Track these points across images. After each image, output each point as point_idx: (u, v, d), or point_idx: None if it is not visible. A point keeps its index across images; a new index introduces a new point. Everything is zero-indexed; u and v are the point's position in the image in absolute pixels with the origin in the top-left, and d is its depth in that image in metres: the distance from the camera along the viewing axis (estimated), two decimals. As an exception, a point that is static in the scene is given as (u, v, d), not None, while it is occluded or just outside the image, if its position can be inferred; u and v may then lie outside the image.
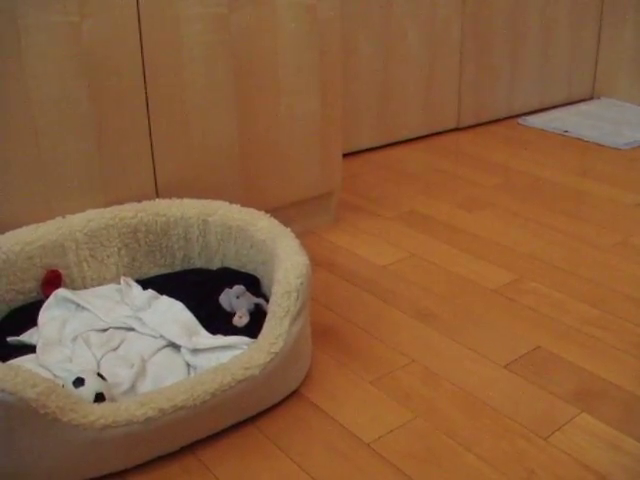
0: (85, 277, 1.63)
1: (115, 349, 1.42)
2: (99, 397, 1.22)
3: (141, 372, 1.35)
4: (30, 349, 1.41)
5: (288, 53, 1.88)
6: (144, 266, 1.69)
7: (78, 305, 1.53)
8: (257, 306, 1.53)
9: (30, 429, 1.11)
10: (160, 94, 1.69)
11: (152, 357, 1.40)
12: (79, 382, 1.23)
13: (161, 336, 1.45)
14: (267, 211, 1.73)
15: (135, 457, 1.21)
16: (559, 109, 3.58)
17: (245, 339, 1.43)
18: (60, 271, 1.59)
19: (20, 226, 1.57)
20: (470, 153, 2.90)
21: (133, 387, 1.31)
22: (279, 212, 1.97)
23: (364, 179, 2.58)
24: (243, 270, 1.68)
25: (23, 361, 1.36)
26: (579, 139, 3.11)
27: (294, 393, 1.41)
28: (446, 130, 3.18)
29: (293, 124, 1.95)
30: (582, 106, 3.64)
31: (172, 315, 1.50)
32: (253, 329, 1.45)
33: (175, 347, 1.44)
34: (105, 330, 1.48)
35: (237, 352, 1.38)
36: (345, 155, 2.81)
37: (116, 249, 1.64)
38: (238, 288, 1.56)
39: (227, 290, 1.57)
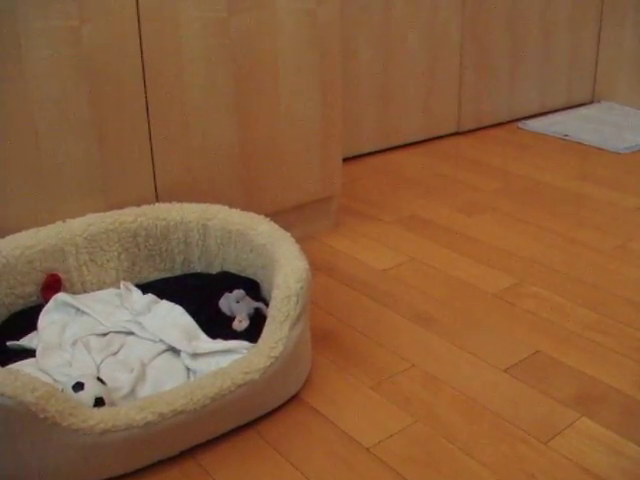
0: (85, 281, 1.63)
1: (115, 353, 1.42)
2: (99, 401, 1.22)
3: (141, 376, 1.34)
4: (30, 353, 1.41)
5: (288, 56, 1.88)
6: (144, 270, 1.69)
7: (78, 309, 1.53)
8: (257, 310, 1.53)
9: (29, 433, 1.11)
10: (160, 98, 1.69)
11: (152, 361, 1.40)
12: (79, 386, 1.22)
13: (161, 340, 1.45)
14: (267, 215, 1.73)
15: (135, 462, 1.20)
16: (559, 113, 3.59)
17: (245, 343, 1.43)
18: (60, 275, 1.59)
19: (20, 230, 1.57)
20: (470, 157, 2.90)
21: (133, 391, 1.31)
22: (279, 216, 1.97)
23: (364, 183, 2.58)
24: (243, 274, 1.68)
25: (23, 365, 1.36)
26: (579, 143, 3.12)
27: (294, 398, 1.41)
28: (446, 134, 3.18)
29: (293, 128, 1.95)
30: (582, 110, 3.64)
31: (172, 319, 1.50)
32: (253, 333, 1.45)
33: (175, 351, 1.43)
34: (105, 334, 1.47)
35: (237, 356, 1.38)
36: (345, 159, 2.81)
37: (116, 253, 1.64)
38: (238, 292, 1.56)
39: (227, 294, 1.57)
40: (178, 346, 1.42)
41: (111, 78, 1.61)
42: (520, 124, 3.38)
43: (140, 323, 1.49)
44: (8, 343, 1.44)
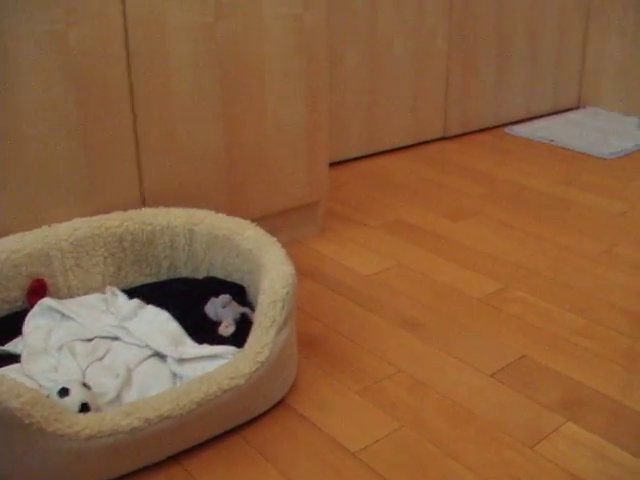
0: (71, 286, 1.62)
1: (101, 359, 1.42)
2: (84, 407, 1.21)
3: (127, 382, 1.34)
4: (15, 358, 1.41)
5: (274, 62, 1.88)
6: (130, 275, 1.68)
7: (63, 314, 1.52)
8: (243, 315, 1.53)
9: (15, 439, 1.11)
10: (146, 103, 1.69)
11: (138, 367, 1.40)
12: (64, 392, 1.22)
13: (147, 346, 1.45)
14: (253, 220, 1.73)
15: (121, 467, 1.20)
16: (545, 118, 3.60)
17: (231, 348, 1.43)
18: (45, 280, 1.58)
19: (6, 234, 1.57)
20: (456, 162, 2.90)
21: (118, 397, 1.31)
22: (265, 221, 1.97)
23: (350, 188, 2.59)
24: (229, 279, 1.68)
25: (8, 370, 1.35)
26: (565, 148, 3.13)
27: (280, 403, 1.41)
28: (433, 139, 3.19)
29: (279, 133, 1.95)
30: (568, 115, 3.66)
31: (158, 324, 1.50)
32: (239, 338, 1.44)
33: (161, 357, 1.43)
34: (90, 340, 1.47)
35: (223, 362, 1.38)
36: (332, 164, 2.82)
37: (102, 258, 1.64)
38: (224, 297, 1.56)
39: (213, 299, 1.57)
40: (164, 351, 1.42)
41: (97, 82, 1.61)
42: (506, 129, 3.39)
43: (126, 328, 1.49)
44: (-7, 348, 1.44)
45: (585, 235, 2.22)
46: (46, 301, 1.53)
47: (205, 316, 1.55)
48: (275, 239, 1.58)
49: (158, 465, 1.24)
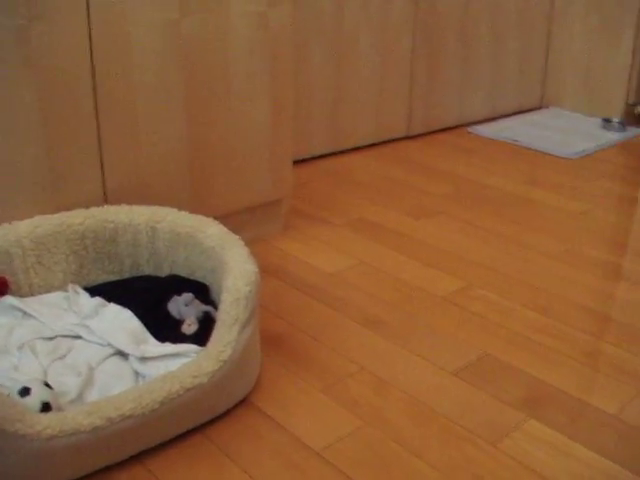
0: (32, 284, 1.60)
1: (62, 357, 1.41)
2: (46, 406, 1.20)
3: (88, 381, 1.33)
4: (-26, 358, 1.39)
5: (239, 59, 1.87)
6: (92, 273, 1.67)
7: (25, 313, 1.50)
8: (206, 314, 1.52)
9: (-26, 439, 1.09)
10: (110, 99, 1.67)
11: (100, 365, 1.39)
12: (25, 391, 1.21)
13: (109, 344, 1.44)
14: (216, 218, 1.73)
15: (83, 467, 1.19)
16: (508, 118, 3.62)
17: (193, 347, 1.42)
18: (6, 278, 1.56)
19: (-35, 232, 1.55)
20: (420, 161, 2.91)
21: (80, 396, 1.30)
22: (228, 219, 1.97)
23: (314, 186, 2.59)
24: (192, 277, 1.67)
25: (-33, 370, 1.34)
26: (528, 148, 3.15)
27: (243, 401, 1.41)
28: (396, 138, 3.20)
29: (243, 131, 1.95)
30: (531, 115, 3.69)
31: (120, 323, 1.49)
32: (202, 337, 1.44)
33: (123, 355, 1.42)
34: (52, 338, 1.46)
35: (186, 360, 1.37)
36: (296, 162, 2.81)
37: (64, 256, 1.62)
38: (187, 296, 1.55)
39: (176, 298, 1.56)
40: (126, 350, 1.41)
41: (60, 79, 1.59)
42: (469, 129, 3.41)
43: (88, 327, 1.48)
44: (-48, 347, 1.42)
45: (547, 234, 2.24)
46: (7, 299, 1.52)
47: (168, 314, 1.54)
48: (238, 237, 1.57)
49: (120, 465, 1.23)
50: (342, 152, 2.99)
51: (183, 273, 1.68)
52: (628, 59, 3.46)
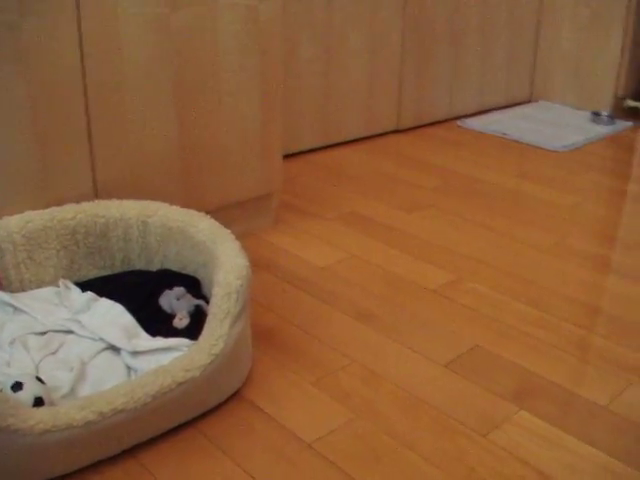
0: (23, 279, 1.60)
1: (54, 352, 1.41)
2: (38, 401, 1.20)
3: (81, 375, 1.33)
4: (-34, 353, 1.39)
5: (229, 54, 1.87)
6: (83, 268, 1.67)
7: (16, 308, 1.50)
8: (197, 308, 1.52)
9: (-34, 434, 1.10)
10: (100, 94, 1.67)
11: (92, 360, 1.39)
12: (17, 386, 1.21)
13: (101, 339, 1.44)
14: (207, 212, 1.73)
15: (76, 461, 1.19)
16: (498, 112, 3.63)
17: (185, 341, 1.43)
18: (-3, 273, 1.57)
19: (-44, 228, 1.55)
20: (410, 155, 2.92)
21: (73, 391, 1.30)
22: (219, 213, 1.97)
23: (304, 180, 2.59)
24: (183, 272, 1.67)
25: (-41, 365, 1.34)
26: (517, 141, 3.16)
27: (235, 395, 1.41)
28: (386, 132, 3.20)
29: (233, 125, 1.95)
30: (520, 109, 3.69)
31: (111, 317, 1.49)
32: (193, 331, 1.44)
33: (115, 350, 1.42)
34: (44, 333, 1.46)
35: (177, 354, 1.37)
36: (286, 156, 2.81)
37: (55, 251, 1.62)
38: (178, 290, 1.55)
39: (167, 292, 1.56)
40: (118, 344, 1.41)
41: (50, 73, 1.59)
42: (459, 122, 3.41)
43: (79, 321, 1.48)
44: (-56, 342, 1.42)
45: (537, 227, 2.24)
46: (-2, 294, 1.52)
47: (159, 309, 1.54)
48: (229, 231, 1.58)
49: (113, 459, 1.23)
50: (332, 146, 3.00)
51: (174, 267, 1.68)
52: (617, 53, 3.47)
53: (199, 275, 1.65)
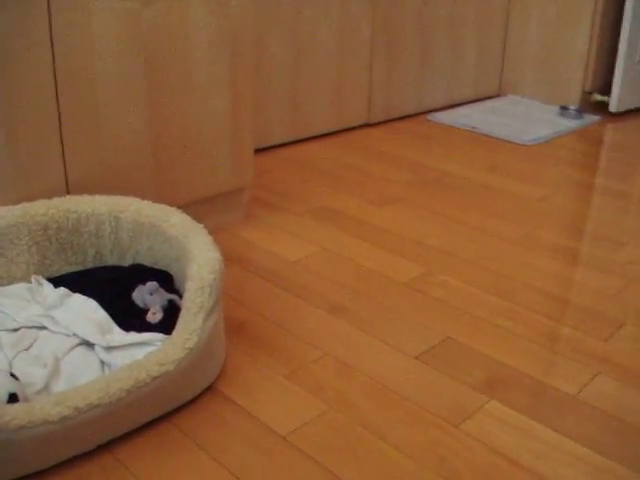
0: (-6, 276, 1.60)
1: (27, 349, 1.40)
2: (12, 397, 1.20)
3: (55, 371, 1.33)
4: (-61, 350, 1.39)
5: (200, 49, 1.88)
6: (55, 264, 1.67)
7: (-12, 305, 1.50)
8: (171, 302, 1.53)
9: (-59, 430, 1.09)
10: (71, 89, 1.67)
11: (66, 356, 1.39)
12: (-9, 383, 1.21)
13: (74, 334, 1.44)
14: (178, 207, 1.73)
15: (51, 457, 1.19)
16: (467, 106, 3.65)
17: (159, 335, 1.43)
18: (-32, 270, 1.56)
19: None
20: (380, 149, 2.93)
21: (47, 387, 1.30)
22: (190, 208, 1.97)
23: (275, 175, 2.59)
24: (156, 266, 1.68)
25: None
26: (486, 135, 3.18)
27: (209, 389, 1.42)
28: (357, 126, 3.21)
29: (204, 120, 1.95)
30: (489, 103, 3.72)
31: (85, 313, 1.49)
32: (167, 325, 1.45)
33: (89, 345, 1.42)
34: (16, 330, 1.45)
35: (151, 349, 1.38)
36: (256, 151, 2.82)
37: (26, 247, 1.62)
38: (151, 284, 1.56)
39: (140, 287, 1.56)
40: (92, 339, 1.41)
41: (20, 68, 1.58)
42: (429, 116, 3.43)
43: (53, 317, 1.48)
44: None
45: (507, 220, 2.27)
46: (-30, 291, 1.51)
47: (132, 304, 1.54)
48: (201, 225, 1.58)
49: (89, 454, 1.23)
50: (303, 140, 3.01)
51: (147, 262, 1.69)
52: (584, 48, 3.51)
53: (172, 270, 1.65)
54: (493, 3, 3.63)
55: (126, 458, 1.24)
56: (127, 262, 1.71)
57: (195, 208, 2.01)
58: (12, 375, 1.24)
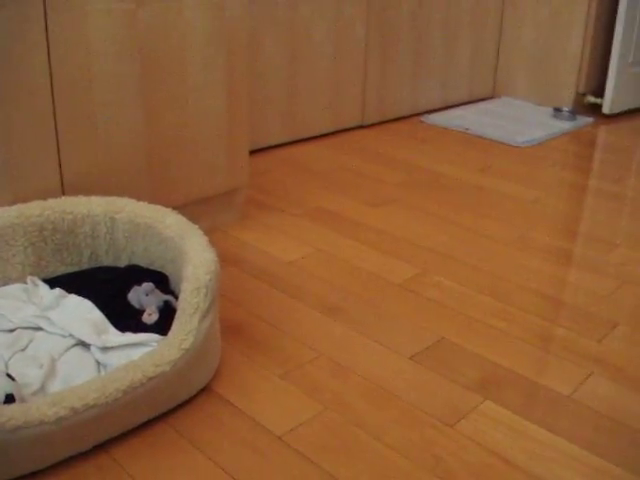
0: (-10, 277, 1.60)
1: (23, 349, 1.41)
2: (9, 398, 1.20)
3: (51, 372, 1.33)
4: None
5: (195, 49, 1.88)
6: (51, 265, 1.67)
7: (-17, 305, 1.50)
8: (166, 303, 1.53)
9: (-62, 431, 1.10)
10: (66, 90, 1.67)
11: (62, 356, 1.39)
12: (-13, 384, 1.21)
13: (70, 335, 1.44)
14: (174, 208, 1.74)
15: (48, 458, 1.19)
16: (461, 107, 3.66)
17: (155, 336, 1.43)
18: (-36, 271, 1.56)
19: None
20: (374, 150, 2.94)
21: (43, 387, 1.30)
22: (186, 209, 1.97)
23: (270, 176, 2.60)
24: (151, 267, 1.68)
25: None
26: (480, 137, 3.19)
27: (205, 389, 1.42)
28: (351, 127, 3.22)
29: (200, 121, 1.96)
30: (483, 104, 3.73)
31: (81, 313, 1.49)
32: (163, 326, 1.45)
33: (85, 346, 1.43)
34: (12, 330, 1.46)
35: (147, 349, 1.38)
36: (252, 152, 2.82)
37: (22, 248, 1.62)
38: (147, 285, 1.56)
39: (136, 288, 1.57)
40: (88, 340, 1.42)
41: (16, 68, 1.58)
42: (422, 118, 3.44)
43: (48, 318, 1.48)
44: None
45: (500, 221, 2.27)
46: (-35, 292, 1.51)
47: (128, 304, 1.54)
48: (197, 226, 1.58)
49: (85, 454, 1.24)
50: (298, 141, 3.01)
51: (142, 263, 1.69)
52: (578, 49, 3.52)
53: (167, 271, 1.65)
54: (487, 5, 3.64)
55: (122, 458, 1.24)
56: (123, 263, 1.71)
57: (191, 209, 2.01)
58: (8, 376, 1.25)
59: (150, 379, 1.26)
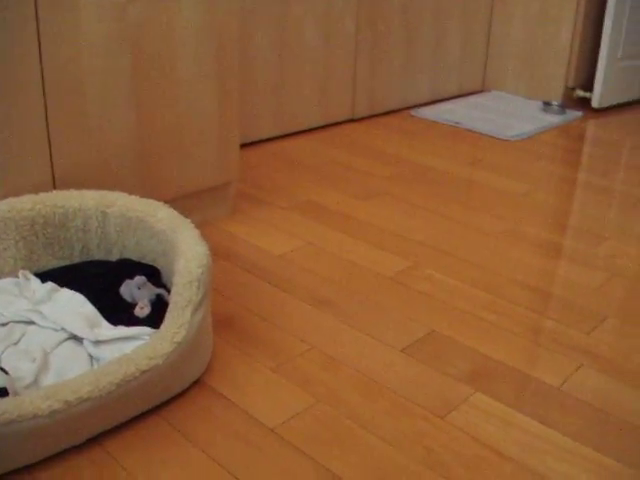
0: (-19, 271, 1.60)
1: (16, 343, 1.41)
2: (2, 392, 1.20)
3: (44, 365, 1.34)
4: None
5: (185, 43, 1.88)
6: (42, 259, 1.67)
7: (-25, 299, 1.50)
8: (158, 296, 1.54)
9: None
10: (57, 84, 1.67)
11: (54, 350, 1.39)
12: (-20, 377, 1.21)
13: (62, 329, 1.44)
14: (165, 202, 1.74)
15: (41, 451, 1.20)
16: (451, 101, 3.67)
17: (147, 329, 1.44)
18: (-44, 265, 1.56)
19: None
20: (364, 144, 2.95)
21: (36, 381, 1.30)
22: (176, 203, 1.98)
23: (261, 170, 2.60)
24: (143, 261, 1.68)
25: None
26: (470, 130, 3.20)
27: (197, 382, 1.43)
28: (341, 121, 3.23)
29: (190, 115, 1.96)
30: (473, 98, 3.74)
31: (73, 307, 1.49)
32: (155, 319, 1.46)
33: (77, 339, 1.43)
34: (4, 324, 1.46)
35: (139, 343, 1.39)
36: (242, 145, 2.83)
37: (13, 242, 1.62)
38: (139, 279, 1.56)
39: (128, 281, 1.57)
40: (80, 334, 1.42)
41: (7, 62, 1.58)
42: (412, 112, 3.45)
43: (41, 312, 1.48)
44: None
45: (490, 214, 2.28)
46: (-43, 286, 1.52)
47: (120, 298, 1.55)
48: (189, 220, 1.59)
49: (79, 447, 1.24)
50: (288, 135, 3.02)
51: (134, 257, 1.69)
52: (567, 44, 3.53)
53: (159, 264, 1.66)
54: (478, 0, 3.65)
55: (116, 451, 1.24)
56: (114, 257, 1.71)
57: (182, 203, 2.02)
58: (1, 369, 1.25)
59: (143, 372, 1.27)
